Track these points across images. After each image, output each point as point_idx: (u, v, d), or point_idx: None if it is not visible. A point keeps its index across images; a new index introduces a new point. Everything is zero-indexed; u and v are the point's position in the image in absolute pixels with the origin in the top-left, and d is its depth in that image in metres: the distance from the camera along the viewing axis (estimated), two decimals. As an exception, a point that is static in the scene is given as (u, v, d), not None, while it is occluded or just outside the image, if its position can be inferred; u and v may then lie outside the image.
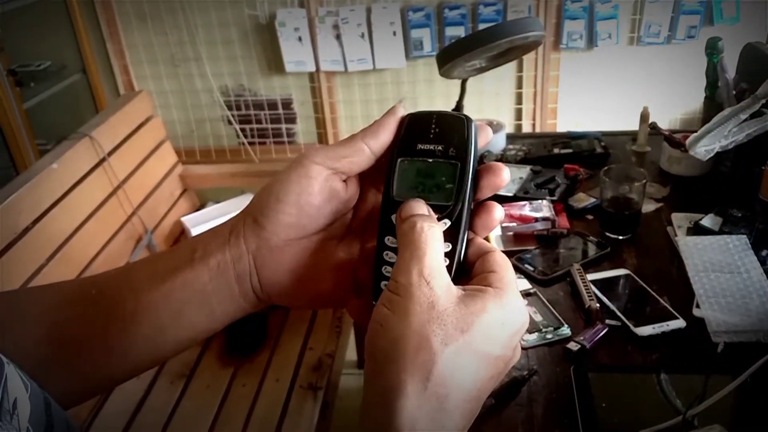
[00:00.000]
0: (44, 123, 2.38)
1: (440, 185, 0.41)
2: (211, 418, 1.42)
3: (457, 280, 0.40)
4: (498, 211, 0.43)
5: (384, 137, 0.43)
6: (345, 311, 1.66)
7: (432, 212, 0.41)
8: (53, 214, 1.44)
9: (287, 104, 2.72)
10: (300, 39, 2.50)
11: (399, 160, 0.42)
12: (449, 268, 0.40)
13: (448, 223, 0.41)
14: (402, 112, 0.44)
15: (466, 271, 0.41)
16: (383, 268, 0.42)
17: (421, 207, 0.41)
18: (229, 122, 2.76)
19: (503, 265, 0.40)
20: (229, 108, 2.74)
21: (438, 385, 0.35)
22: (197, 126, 2.80)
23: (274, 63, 2.62)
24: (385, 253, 0.42)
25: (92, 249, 1.57)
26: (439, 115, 0.43)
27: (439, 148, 0.42)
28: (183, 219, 1.96)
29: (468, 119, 0.43)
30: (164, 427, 1.41)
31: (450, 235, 0.40)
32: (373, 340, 0.37)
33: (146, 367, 0.46)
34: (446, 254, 0.40)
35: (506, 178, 0.43)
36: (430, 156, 0.42)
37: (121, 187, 1.71)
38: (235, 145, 2.82)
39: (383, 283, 0.41)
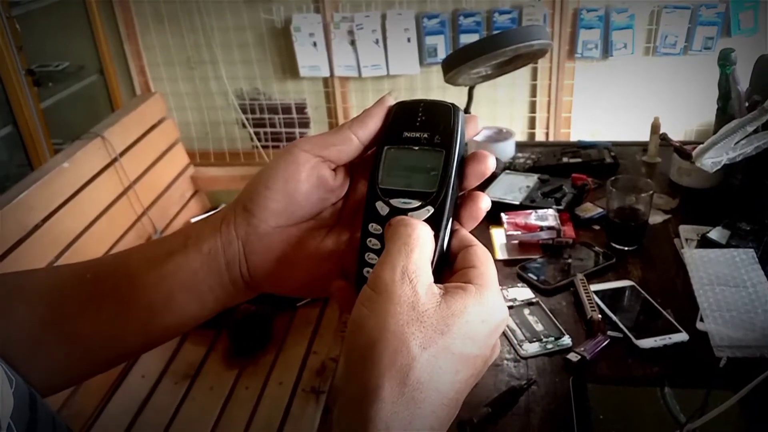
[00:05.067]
0: (61, 123, 2.41)
1: (425, 172, 0.41)
2: (214, 420, 1.43)
3: (438, 270, 0.39)
4: (484, 201, 0.42)
5: (371, 126, 0.43)
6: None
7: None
8: (63, 213, 1.46)
9: (301, 109, 2.73)
10: (315, 44, 2.51)
11: (385, 147, 0.42)
12: (431, 257, 0.39)
13: (431, 210, 0.40)
14: (391, 101, 0.44)
15: (449, 262, 0.41)
16: (366, 255, 0.41)
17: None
18: (243, 126, 2.78)
19: (484, 260, 0.39)
20: (244, 111, 2.75)
21: (415, 389, 0.34)
22: (212, 128, 2.82)
23: (289, 67, 2.63)
24: (368, 239, 0.41)
25: (102, 248, 1.59)
26: (426, 104, 0.43)
27: (425, 135, 0.42)
28: (193, 220, 1.98)
29: (455, 107, 0.42)
30: (166, 427, 1.42)
31: (433, 222, 0.40)
32: (351, 341, 0.36)
33: (135, 352, 0.47)
34: None
35: (491, 165, 0.42)
36: (416, 143, 0.42)
37: (132, 188, 1.72)
38: (248, 149, 2.83)
39: (366, 269, 0.41)
